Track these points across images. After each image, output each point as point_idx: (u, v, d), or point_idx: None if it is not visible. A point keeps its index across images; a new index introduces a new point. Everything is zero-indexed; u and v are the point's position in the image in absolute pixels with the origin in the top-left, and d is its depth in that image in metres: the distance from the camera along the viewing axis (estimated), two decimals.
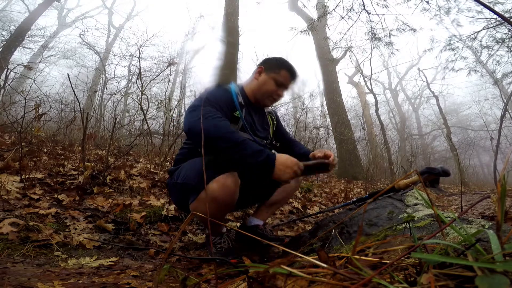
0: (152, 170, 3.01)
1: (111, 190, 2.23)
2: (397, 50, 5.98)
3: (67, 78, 2.73)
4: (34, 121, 2.88)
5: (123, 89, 9.78)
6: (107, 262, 1.23)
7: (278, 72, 1.47)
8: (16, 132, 3.22)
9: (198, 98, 1.33)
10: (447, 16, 5.76)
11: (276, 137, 1.69)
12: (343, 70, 19.40)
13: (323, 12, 5.66)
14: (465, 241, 0.46)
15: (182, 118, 8.35)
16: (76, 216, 1.69)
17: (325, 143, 8.69)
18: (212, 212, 1.23)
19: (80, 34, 12.12)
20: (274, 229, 2.05)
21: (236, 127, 1.39)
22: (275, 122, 1.69)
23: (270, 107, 1.70)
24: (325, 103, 9.30)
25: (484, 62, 7.74)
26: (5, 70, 5.13)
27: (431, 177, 1.27)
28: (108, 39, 15.37)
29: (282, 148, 1.69)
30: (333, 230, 1.20)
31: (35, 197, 1.80)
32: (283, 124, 1.86)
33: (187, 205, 1.35)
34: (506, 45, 5.68)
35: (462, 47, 6.32)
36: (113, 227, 1.66)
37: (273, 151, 1.36)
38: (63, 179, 2.21)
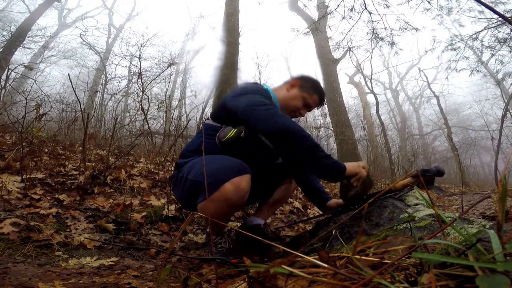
0: (152, 170, 3.02)
1: (111, 190, 2.24)
2: (400, 49, 5.94)
3: (68, 78, 2.73)
4: (35, 121, 2.89)
5: (123, 89, 9.78)
6: (108, 262, 1.23)
7: (311, 94, 1.50)
8: (17, 132, 3.22)
9: (253, 93, 1.29)
10: (449, 16, 5.76)
11: None
12: (344, 70, 19.41)
13: (324, 13, 5.66)
14: (466, 241, 0.46)
15: (183, 118, 8.36)
16: (77, 216, 1.69)
17: (325, 143, 8.68)
18: (220, 213, 1.21)
19: (80, 34, 12.14)
20: (278, 230, 2.05)
21: None
22: None
23: None
24: (325, 103, 9.29)
25: (486, 62, 7.73)
26: (6, 70, 5.14)
27: (426, 178, 1.26)
28: (108, 39, 15.37)
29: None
30: (334, 230, 1.20)
31: (36, 197, 1.81)
32: None
33: (191, 202, 1.34)
34: (508, 44, 5.67)
35: (464, 47, 6.31)
36: (114, 227, 1.66)
37: None
38: (64, 179, 2.22)
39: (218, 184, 1.15)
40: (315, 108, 1.58)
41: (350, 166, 1.21)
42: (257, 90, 1.33)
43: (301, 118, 1.66)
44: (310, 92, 1.50)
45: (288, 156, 1.28)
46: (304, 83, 1.51)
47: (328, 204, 1.58)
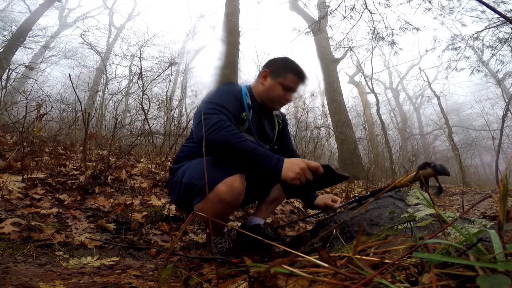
0: (153, 170, 3.02)
1: (112, 190, 2.24)
2: (401, 49, 5.92)
3: (69, 78, 2.73)
4: (36, 121, 2.90)
5: (124, 89, 9.81)
6: (109, 261, 1.23)
7: (284, 76, 1.41)
8: (18, 132, 3.23)
9: (206, 101, 1.27)
10: (450, 16, 5.74)
11: (277, 141, 1.67)
12: (344, 70, 19.33)
13: (325, 12, 5.66)
14: (467, 240, 0.46)
15: (184, 118, 8.37)
16: (77, 216, 1.69)
17: (326, 142, 8.68)
18: (217, 214, 1.21)
19: (81, 34, 12.19)
20: (278, 229, 2.05)
21: (241, 128, 1.38)
22: (280, 126, 1.67)
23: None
24: (326, 102, 9.30)
25: (487, 62, 7.72)
26: (7, 70, 5.14)
27: (429, 172, 1.21)
28: (109, 39, 15.38)
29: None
30: (334, 230, 1.20)
31: (37, 197, 1.81)
32: (289, 130, 1.82)
33: (188, 205, 1.35)
34: (508, 44, 5.66)
35: (465, 47, 6.29)
36: (114, 227, 1.66)
37: None
38: (65, 179, 2.22)
39: (212, 185, 1.17)
40: (300, 85, 1.48)
41: (285, 175, 1.14)
42: (218, 97, 1.29)
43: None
44: (282, 74, 1.41)
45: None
46: (273, 68, 1.43)
47: (315, 203, 1.58)
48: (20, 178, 2.02)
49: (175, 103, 10.67)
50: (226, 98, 1.30)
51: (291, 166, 1.15)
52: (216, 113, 1.20)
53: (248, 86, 1.51)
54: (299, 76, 1.43)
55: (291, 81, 1.42)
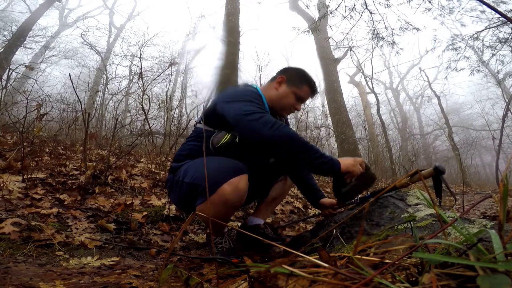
0: (153, 170, 3.02)
1: (112, 190, 2.24)
2: (401, 49, 5.92)
3: (69, 78, 2.74)
4: (36, 121, 2.90)
5: (124, 89, 9.81)
6: (109, 261, 1.23)
7: (300, 87, 1.45)
8: (18, 132, 3.23)
9: (244, 100, 1.25)
10: (450, 16, 5.75)
11: None
12: (344, 70, 19.32)
13: (325, 12, 5.66)
14: (467, 240, 0.46)
15: (184, 118, 8.37)
16: (77, 216, 1.69)
17: (326, 143, 8.67)
18: (220, 214, 1.20)
19: (81, 34, 12.19)
20: (279, 229, 2.05)
21: None
22: None
23: None
24: (326, 102, 9.30)
25: (487, 62, 7.72)
26: (7, 70, 5.14)
27: (429, 171, 1.21)
28: (109, 39, 15.37)
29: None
30: (334, 230, 1.20)
31: (37, 197, 1.81)
32: None
33: (188, 205, 1.34)
34: (509, 44, 5.66)
35: (465, 47, 6.29)
36: (115, 227, 1.66)
37: None
38: (65, 179, 2.22)
39: (216, 186, 1.15)
40: (310, 98, 1.53)
41: (344, 164, 1.21)
42: (249, 96, 1.28)
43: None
44: (298, 85, 1.45)
45: (282, 161, 1.29)
46: (290, 76, 1.47)
47: (321, 202, 1.58)
48: (20, 178, 2.02)
49: (175, 103, 10.67)
50: (259, 98, 1.32)
51: (344, 159, 1.22)
52: (263, 112, 1.21)
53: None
54: (313, 90, 1.50)
55: (305, 93, 1.47)
